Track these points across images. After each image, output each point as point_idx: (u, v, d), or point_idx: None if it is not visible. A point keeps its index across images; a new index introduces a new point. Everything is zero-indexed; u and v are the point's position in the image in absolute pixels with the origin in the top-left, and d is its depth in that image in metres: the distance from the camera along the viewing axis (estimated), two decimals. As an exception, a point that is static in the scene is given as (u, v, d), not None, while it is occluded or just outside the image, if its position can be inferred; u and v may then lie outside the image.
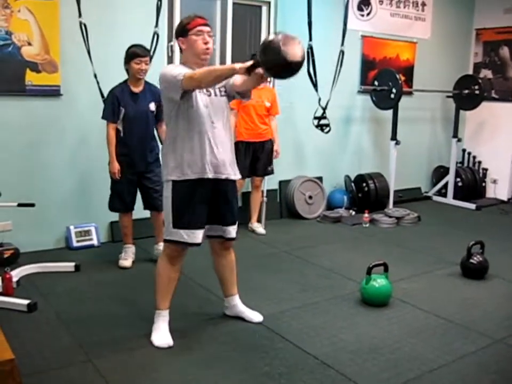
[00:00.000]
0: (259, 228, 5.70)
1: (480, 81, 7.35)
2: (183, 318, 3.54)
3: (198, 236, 3.14)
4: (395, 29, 7.12)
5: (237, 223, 3.35)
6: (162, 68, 3.28)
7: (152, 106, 4.38)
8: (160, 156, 4.20)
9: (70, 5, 4.54)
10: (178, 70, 2.99)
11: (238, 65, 2.79)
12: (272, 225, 5.97)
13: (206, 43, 3.08)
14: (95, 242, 5.03)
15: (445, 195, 7.58)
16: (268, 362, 3.05)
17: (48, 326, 3.45)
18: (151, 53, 4.78)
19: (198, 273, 4.28)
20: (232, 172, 3.24)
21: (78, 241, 4.95)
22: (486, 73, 7.91)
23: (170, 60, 5.44)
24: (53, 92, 4.72)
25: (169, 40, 5.40)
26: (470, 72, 7.98)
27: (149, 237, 4.85)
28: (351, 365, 3.05)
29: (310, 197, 6.38)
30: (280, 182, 6.38)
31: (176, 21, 5.39)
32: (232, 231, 3.31)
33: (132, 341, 3.25)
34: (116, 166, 4.35)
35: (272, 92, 5.67)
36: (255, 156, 5.54)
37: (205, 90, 3.11)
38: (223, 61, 5.85)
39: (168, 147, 3.17)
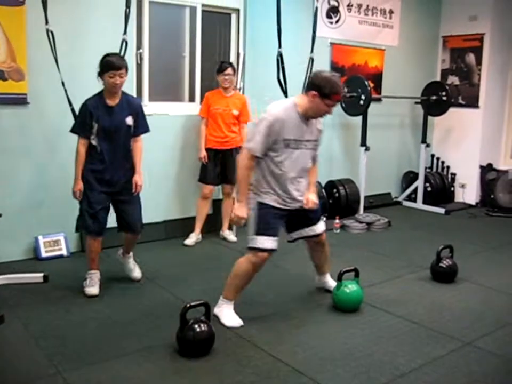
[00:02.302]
0: (230, 236, 5.68)
1: (447, 87, 7.49)
2: (148, 325, 3.51)
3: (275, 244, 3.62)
4: (363, 36, 7.19)
5: (319, 220, 3.96)
6: (270, 106, 3.67)
7: (129, 120, 4.04)
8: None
9: (36, 12, 4.48)
10: (255, 138, 3.53)
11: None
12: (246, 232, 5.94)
13: (328, 113, 3.60)
14: (64, 252, 4.95)
15: (414, 200, 7.67)
16: (239, 371, 3.03)
17: (15, 338, 3.38)
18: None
19: (167, 281, 4.25)
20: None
21: (46, 251, 4.87)
22: (453, 79, 8.04)
23: (139, 68, 5.41)
24: (19, 100, 4.64)
25: (138, 47, 5.37)
26: (438, 78, 8.11)
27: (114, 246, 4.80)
28: (323, 371, 3.05)
29: (282, 204, 6.38)
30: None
31: (145, 28, 5.38)
32: (316, 228, 3.90)
33: (102, 353, 3.20)
34: (80, 185, 4.00)
35: (242, 100, 5.62)
36: (223, 163, 5.49)
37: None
38: (192, 69, 5.83)
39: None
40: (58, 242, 4.94)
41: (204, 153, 5.46)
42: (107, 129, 3.96)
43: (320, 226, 3.95)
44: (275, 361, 3.15)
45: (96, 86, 4.84)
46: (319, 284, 4.28)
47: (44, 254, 4.85)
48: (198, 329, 3.17)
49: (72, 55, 4.82)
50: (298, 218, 3.81)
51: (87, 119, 3.94)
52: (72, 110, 4.58)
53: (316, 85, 3.48)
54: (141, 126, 4.14)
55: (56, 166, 4.91)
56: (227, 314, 3.65)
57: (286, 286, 4.41)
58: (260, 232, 3.57)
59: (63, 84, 4.57)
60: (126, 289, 4.22)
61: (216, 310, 3.67)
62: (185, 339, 3.17)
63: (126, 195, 4.11)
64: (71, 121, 4.53)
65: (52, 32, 4.49)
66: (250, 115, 5.63)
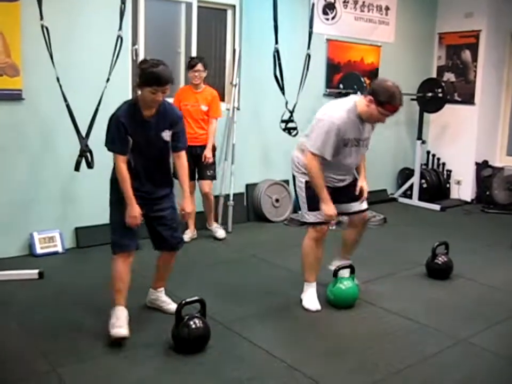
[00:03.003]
0: (218, 230, 5.63)
1: (443, 84, 7.48)
2: (145, 321, 3.51)
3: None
4: (359, 32, 7.19)
5: (360, 200, 3.95)
6: (324, 108, 3.70)
7: (166, 135, 3.40)
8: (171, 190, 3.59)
9: (31, 7, 4.45)
10: (323, 143, 3.57)
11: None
12: (239, 228, 5.96)
13: (381, 121, 3.73)
14: (59, 249, 4.94)
15: (410, 196, 7.68)
16: (235, 367, 3.03)
17: (9, 335, 3.37)
18: (116, 57, 4.71)
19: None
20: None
21: (42, 248, 4.86)
22: (449, 76, 8.04)
23: (134, 64, 5.39)
24: (14, 96, 4.62)
25: (134, 43, 5.36)
26: (434, 75, 8.11)
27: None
28: (318, 367, 3.06)
29: (277, 200, 6.39)
30: (247, 186, 6.37)
31: (141, 24, 5.37)
32: (361, 205, 3.98)
33: (97, 349, 3.20)
34: (136, 209, 3.32)
35: (212, 94, 5.43)
36: (195, 160, 5.25)
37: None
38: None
39: None
40: (53, 239, 4.93)
41: None
42: (141, 144, 3.36)
43: (364, 204, 4.03)
44: (271, 358, 3.15)
45: (91, 82, 4.86)
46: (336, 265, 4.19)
47: (39, 251, 4.84)
48: (193, 326, 3.17)
49: (67, 51, 4.81)
50: (344, 193, 3.92)
51: (121, 134, 3.29)
52: (68, 106, 4.56)
53: (374, 91, 3.53)
54: (182, 142, 3.51)
55: (52, 162, 4.90)
56: (308, 296, 3.89)
57: (282, 282, 4.40)
58: (311, 208, 3.79)
59: (58, 79, 4.55)
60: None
61: (302, 295, 3.93)
62: (180, 336, 3.17)
63: (161, 211, 3.53)
64: (66, 117, 4.55)
65: (46, 28, 4.46)
66: (220, 110, 5.51)
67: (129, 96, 5.33)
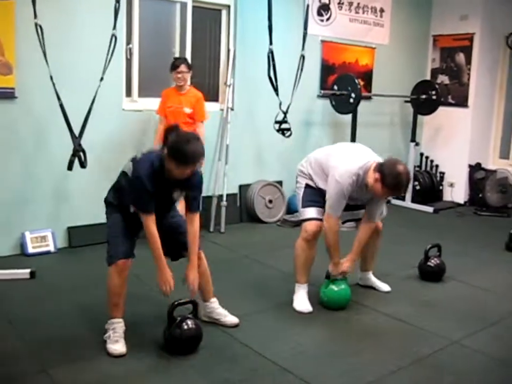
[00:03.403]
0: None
1: (437, 86, 7.50)
2: (135, 323, 3.49)
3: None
4: (354, 34, 7.19)
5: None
6: (343, 164, 3.69)
7: (177, 195, 3.28)
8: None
9: (25, 6, 4.43)
10: (339, 207, 3.71)
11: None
12: (232, 229, 5.96)
13: (384, 198, 3.84)
14: (51, 248, 4.92)
15: (403, 198, 7.67)
16: (227, 369, 3.03)
17: (1, 335, 3.35)
18: (110, 56, 4.69)
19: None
20: None
21: (34, 247, 4.84)
22: (443, 79, 8.06)
23: (128, 63, 5.38)
24: (7, 94, 4.60)
25: (128, 42, 5.34)
26: (428, 77, 8.12)
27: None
28: (311, 369, 3.05)
29: (270, 201, 6.39)
30: (240, 186, 6.37)
31: (135, 24, 5.35)
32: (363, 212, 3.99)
33: (89, 350, 3.18)
34: (168, 273, 3.18)
35: (197, 96, 5.20)
36: None
37: None
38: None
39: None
40: (45, 238, 4.91)
41: None
42: (156, 195, 3.13)
43: None
44: (263, 360, 3.14)
45: (85, 81, 4.83)
46: (362, 281, 4.38)
47: (30, 250, 4.81)
48: (186, 327, 3.15)
49: (61, 50, 4.78)
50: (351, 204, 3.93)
51: (148, 196, 3.07)
52: (61, 105, 4.53)
53: (384, 173, 3.53)
54: (196, 204, 3.29)
55: (44, 161, 4.88)
56: (298, 298, 3.92)
57: (273, 284, 4.40)
58: (305, 204, 3.91)
59: (51, 78, 4.52)
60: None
61: (294, 296, 3.95)
62: (172, 337, 3.15)
63: (175, 217, 3.45)
64: (59, 116, 4.52)
65: (40, 27, 4.43)
66: (206, 113, 5.26)
67: (123, 97, 5.34)
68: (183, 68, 5.09)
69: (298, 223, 6.12)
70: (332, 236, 3.75)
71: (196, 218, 3.29)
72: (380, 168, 3.57)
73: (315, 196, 3.90)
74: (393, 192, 3.65)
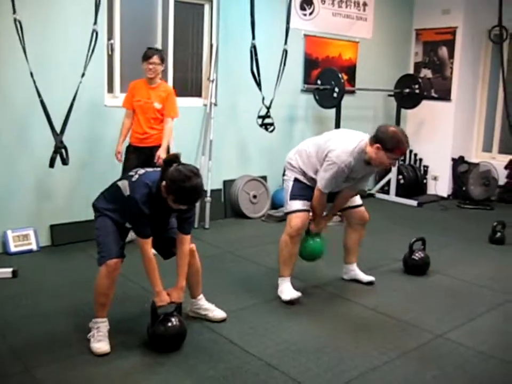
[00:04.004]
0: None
1: (420, 80, 7.53)
2: (121, 320, 3.46)
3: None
4: (337, 28, 7.19)
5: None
6: (337, 145, 3.73)
7: (172, 217, 3.33)
8: None
9: (4, 1, 4.35)
10: (331, 184, 3.78)
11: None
12: (217, 225, 5.94)
13: (391, 165, 3.86)
14: (34, 246, 4.87)
15: (387, 192, 7.71)
16: (212, 366, 3.01)
17: (-18, 335, 3.31)
18: (91, 52, 4.63)
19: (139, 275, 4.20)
20: None
21: (16, 246, 4.78)
22: (426, 72, 8.08)
23: (110, 59, 5.33)
24: (-14, 91, 4.54)
25: (109, 38, 5.28)
26: (411, 71, 8.15)
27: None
28: (296, 365, 3.04)
29: (255, 196, 6.37)
30: (224, 182, 6.34)
31: (116, 18, 5.30)
32: (354, 200, 4.14)
33: (72, 349, 3.15)
34: (165, 298, 3.18)
35: (167, 91, 4.95)
36: (146, 162, 4.63)
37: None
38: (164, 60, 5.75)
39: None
40: (27, 237, 4.85)
41: (118, 149, 4.93)
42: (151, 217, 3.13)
43: (357, 199, 4.19)
44: (247, 356, 3.13)
45: (66, 77, 4.78)
46: (347, 275, 4.39)
47: (12, 249, 4.76)
48: (169, 324, 3.13)
49: (41, 46, 4.72)
50: (338, 193, 4.03)
51: (144, 220, 3.07)
52: (42, 101, 4.47)
53: (381, 139, 3.62)
54: (188, 226, 3.30)
55: (26, 158, 4.82)
56: (284, 289, 3.94)
57: (258, 280, 4.39)
58: (293, 197, 3.93)
59: (31, 74, 4.45)
60: (92, 283, 4.15)
61: (278, 291, 3.98)
62: (155, 334, 3.13)
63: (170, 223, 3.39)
64: (40, 112, 4.46)
65: (19, 22, 4.36)
66: (176, 110, 5.00)
67: (105, 93, 5.29)
68: (155, 59, 4.80)
69: (283, 218, 6.12)
70: (318, 205, 3.90)
71: (187, 240, 3.27)
72: (375, 139, 3.65)
73: (303, 190, 3.93)
74: (397, 152, 3.65)
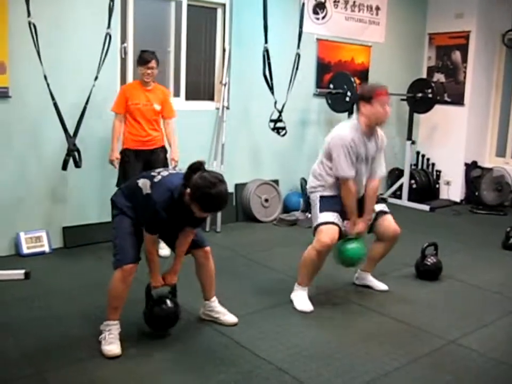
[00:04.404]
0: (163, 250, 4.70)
1: (433, 85, 7.49)
2: (132, 323, 3.47)
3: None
4: (350, 32, 7.18)
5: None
6: (332, 132, 3.89)
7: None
8: None
9: (19, 4, 4.40)
10: (348, 164, 3.77)
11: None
12: (228, 228, 5.94)
13: (387, 113, 3.86)
14: (46, 248, 4.89)
15: (400, 197, 7.68)
16: (223, 370, 3.00)
17: (-5, 336, 3.33)
18: (104, 55, 4.67)
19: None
20: None
21: (28, 247, 4.80)
22: (439, 77, 8.05)
23: (123, 62, 5.35)
24: (1, 94, 4.56)
25: (122, 41, 5.31)
26: (424, 76, 8.11)
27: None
28: (306, 370, 3.03)
29: (266, 200, 6.37)
30: (236, 185, 6.34)
31: (130, 22, 5.33)
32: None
33: (84, 351, 3.15)
34: (159, 280, 3.32)
35: (164, 93, 4.98)
36: (147, 165, 4.69)
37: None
38: (177, 64, 5.78)
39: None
40: (40, 239, 4.88)
41: (116, 154, 4.82)
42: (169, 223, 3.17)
43: (380, 206, 4.15)
44: (258, 360, 3.12)
45: (79, 80, 4.81)
46: (359, 280, 4.38)
47: (25, 251, 4.78)
48: (163, 305, 3.33)
49: (55, 49, 4.76)
50: (360, 203, 3.99)
51: (160, 224, 3.10)
52: (55, 104, 4.51)
53: (360, 96, 3.85)
54: (202, 239, 3.45)
55: (38, 161, 4.85)
56: (300, 299, 3.91)
57: (269, 284, 4.38)
58: (322, 210, 3.89)
59: (45, 77, 4.49)
60: (104, 286, 4.17)
61: (292, 295, 3.96)
62: (150, 314, 3.32)
63: None
64: (53, 115, 4.50)
65: (34, 25, 4.41)
66: (174, 110, 5.04)
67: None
68: (153, 63, 4.75)
69: (295, 222, 6.17)
70: (348, 201, 3.85)
71: (192, 232, 3.29)
72: (358, 102, 3.85)
73: (331, 200, 3.90)
74: (379, 96, 3.77)
